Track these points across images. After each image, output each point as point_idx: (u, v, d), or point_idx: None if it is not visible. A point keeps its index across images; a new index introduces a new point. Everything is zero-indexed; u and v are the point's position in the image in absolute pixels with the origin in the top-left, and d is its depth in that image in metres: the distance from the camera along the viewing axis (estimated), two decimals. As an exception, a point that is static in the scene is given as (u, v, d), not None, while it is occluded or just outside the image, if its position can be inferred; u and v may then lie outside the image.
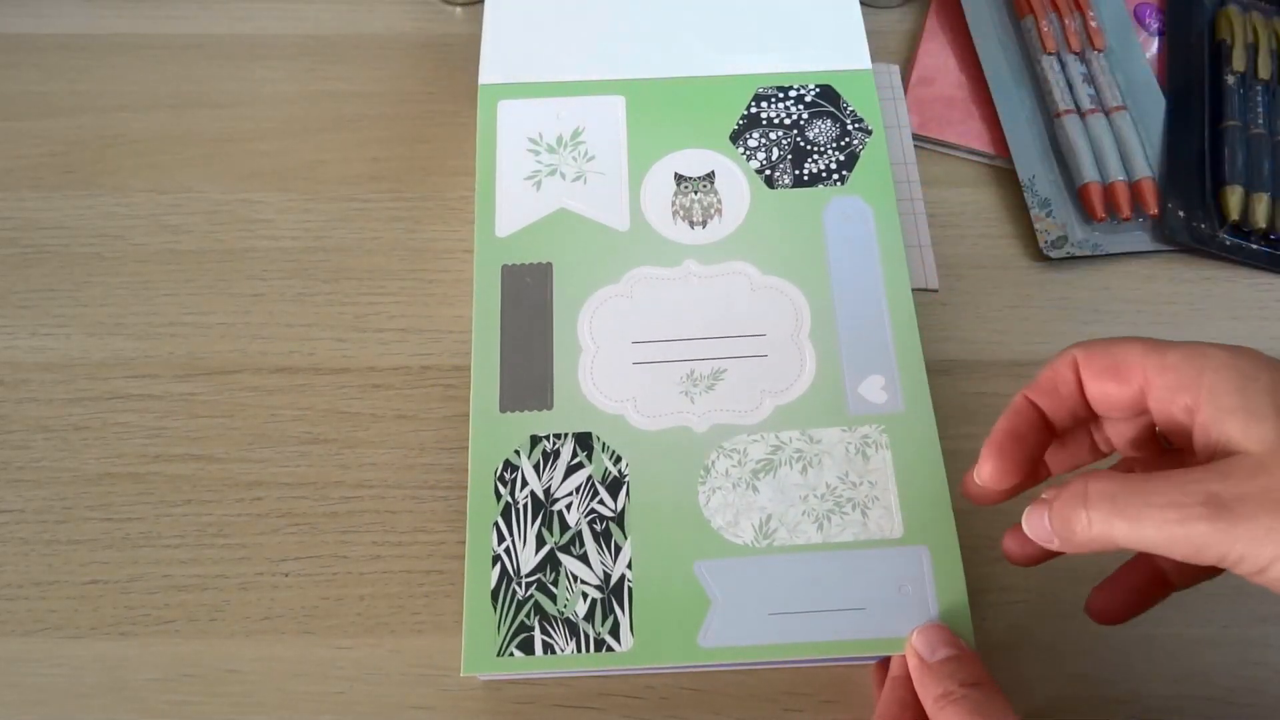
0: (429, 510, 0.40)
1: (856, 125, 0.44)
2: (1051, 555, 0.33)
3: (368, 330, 0.44)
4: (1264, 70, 0.51)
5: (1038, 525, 0.30)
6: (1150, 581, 0.34)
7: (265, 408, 0.42)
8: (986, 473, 0.32)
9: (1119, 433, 0.33)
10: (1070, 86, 0.50)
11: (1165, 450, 0.33)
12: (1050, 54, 0.51)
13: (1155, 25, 0.54)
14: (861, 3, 0.55)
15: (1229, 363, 0.28)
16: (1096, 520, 0.27)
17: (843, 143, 0.44)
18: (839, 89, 0.45)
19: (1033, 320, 0.45)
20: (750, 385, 0.39)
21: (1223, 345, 0.29)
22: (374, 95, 0.51)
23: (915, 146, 0.46)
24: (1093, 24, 0.52)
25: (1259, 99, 0.50)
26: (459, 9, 0.54)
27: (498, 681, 0.37)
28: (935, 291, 0.42)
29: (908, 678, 0.34)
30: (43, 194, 0.48)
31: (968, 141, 0.50)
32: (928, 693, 0.32)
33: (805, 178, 0.43)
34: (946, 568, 0.36)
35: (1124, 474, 0.28)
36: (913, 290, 0.42)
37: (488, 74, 0.46)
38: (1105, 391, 0.30)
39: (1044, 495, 0.30)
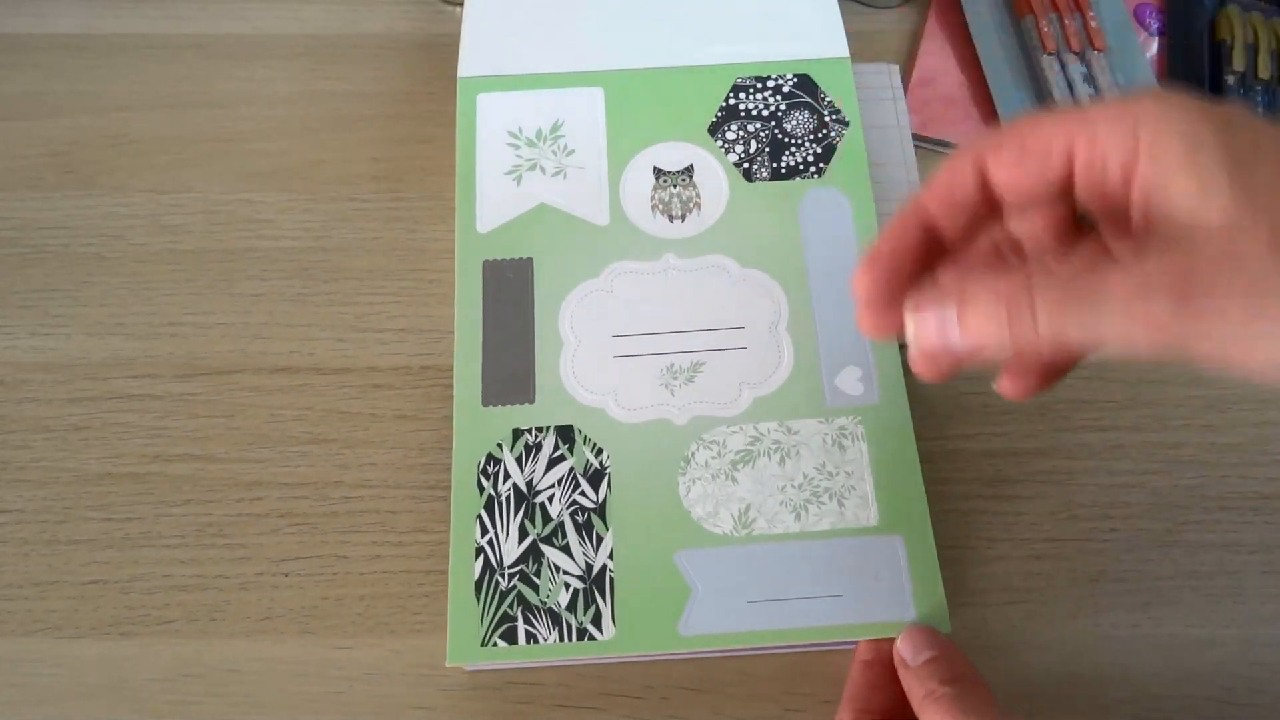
0: (429, 510, 0.40)
1: (834, 117, 0.45)
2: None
3: (368, 330, 0.44)
4: (1264, 70, 0.51)
5: (934, 328, 0.25)
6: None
7: (265, 408, 0.42)
8: (863, 285, 0.28)
9: (1031, 228, 0.28)
10: (1070, 86, 0.50)
11: (1086, 239, 0.28)
12: (1050, 54, 0.51)
13: (1155, 25, 0.54)
14: (861, 2, 0.55)
15: (1168, 126, 0.24)
16: (1044, 316, 0.23)
17: (820, 134, 0.44)
18: (817, 78, 0.46)
19: (1033, 320, 0.45)
20: (729, 377, 0.40)
21: (1156, 100, 0.24)
22: (374, 95, 0.51)
23: (915, 146, 0.46)
24: (1093, 24, 0.52)
25: (1259, 99, 0.50)
26: (459, 9, 0.54)
27: (498, 681, 0.37)
28: (935, 291, 0.42)
29: (877, 661, 0.35)
30: (43, 194, 0.48)
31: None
32: (913, 694, 0.33)
33: (783, 170, 0.44)
34: (921, 556, 0.36)
35: (1058, 267, 0.24)
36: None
37: (467, 67, 0.46)
38: (1018, 181, 0.26)
39: (931, 291, 0.25)
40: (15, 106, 0.50)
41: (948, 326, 0.25)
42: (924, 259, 0.28)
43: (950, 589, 0.37)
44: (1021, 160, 0.26)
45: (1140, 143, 0.24)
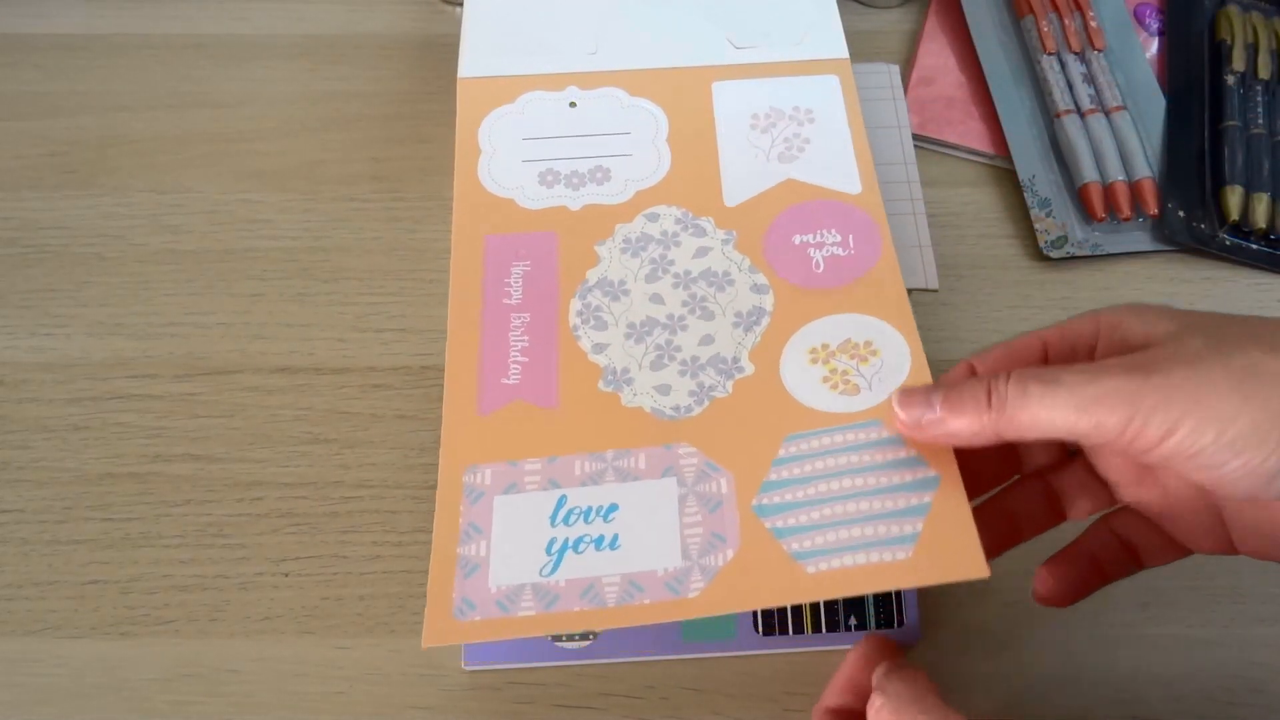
0: (429, 510, 0.40)
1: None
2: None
3: (368, 330, 0.44)
4: (1264, 70, 0.51)
5: (920, 405, 0.31)
6: (1110, 550, 0.34)
7: (265, 408, 0.42)
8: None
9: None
10: (1070, 86, 0.50)
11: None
12: (1050, 54, 0.51)
13: (1155, 25, 0.54)
14: (861, 2, 0.55)
15: (1120, 310, 0.31)
16: (1012, 390, 0.28)
17: None
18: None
19: (1033, 320, 0.45)
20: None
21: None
22: (374, 95, 0.51)
23: (915, 146, 0.46)
24: (1093, 24, 0.52)
25: (1259, 99, 0.50)
26: (459, 9, 0.54)
27: (498, 681, 0.37)
28: (935, 291, 0.42)
29: (857, 662, 0.32)
30: (43, 194, 0.48)
31: (968, 141, 0.50)
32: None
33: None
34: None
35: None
36: (913, 290, 0.42)
37: (467, 68, 0.46)
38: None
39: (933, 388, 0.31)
40: (15, 106, 0.50)
41: (931, 403, 0.31)
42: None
43: (949, 590, 0.37)
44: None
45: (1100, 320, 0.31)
